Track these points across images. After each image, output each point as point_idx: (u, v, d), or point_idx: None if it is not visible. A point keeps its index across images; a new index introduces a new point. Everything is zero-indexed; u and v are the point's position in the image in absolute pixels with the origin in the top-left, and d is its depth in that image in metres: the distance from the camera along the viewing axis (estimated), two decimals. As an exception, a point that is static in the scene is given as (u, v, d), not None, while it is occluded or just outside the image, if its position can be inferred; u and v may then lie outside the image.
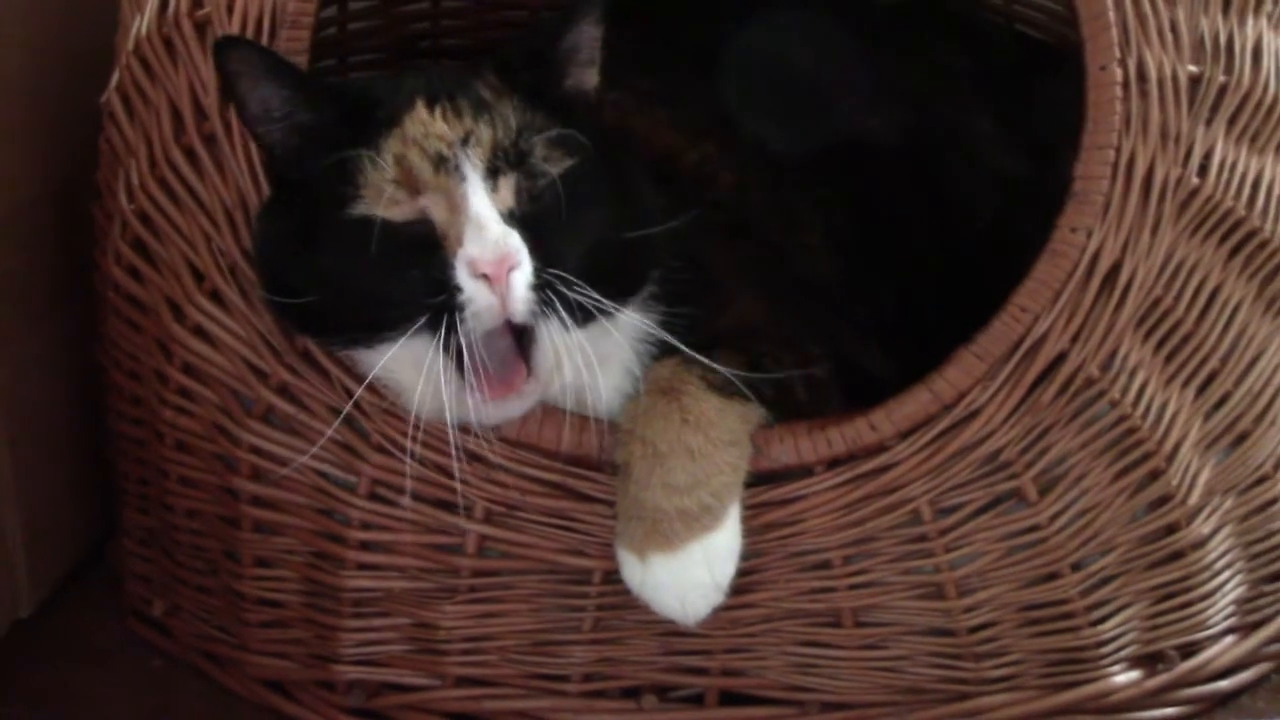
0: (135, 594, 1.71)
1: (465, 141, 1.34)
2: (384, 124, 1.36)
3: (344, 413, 1.45)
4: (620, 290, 1.40)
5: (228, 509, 1.56)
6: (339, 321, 1.39)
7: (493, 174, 1.34)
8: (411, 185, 1.34)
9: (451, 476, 1.46)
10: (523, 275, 1.33)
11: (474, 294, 1.32)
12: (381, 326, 1.36)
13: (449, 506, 1.49)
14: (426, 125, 1.36)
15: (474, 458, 1.46)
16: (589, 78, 1.43)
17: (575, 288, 1.34)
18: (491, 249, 1.32)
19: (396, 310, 1.34)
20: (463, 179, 1.34)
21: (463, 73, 1.43)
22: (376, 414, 1.45)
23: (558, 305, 1.34)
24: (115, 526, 1.76)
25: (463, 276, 1.33)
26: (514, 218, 1.34)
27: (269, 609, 1.58)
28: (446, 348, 1.34)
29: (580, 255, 1.36)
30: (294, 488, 1.52)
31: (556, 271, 1.34)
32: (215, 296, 1.50)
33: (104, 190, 1.62)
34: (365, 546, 1.52)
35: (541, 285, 1.33)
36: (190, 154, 1.50)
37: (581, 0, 1.40)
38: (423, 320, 1.34)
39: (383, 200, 1.33)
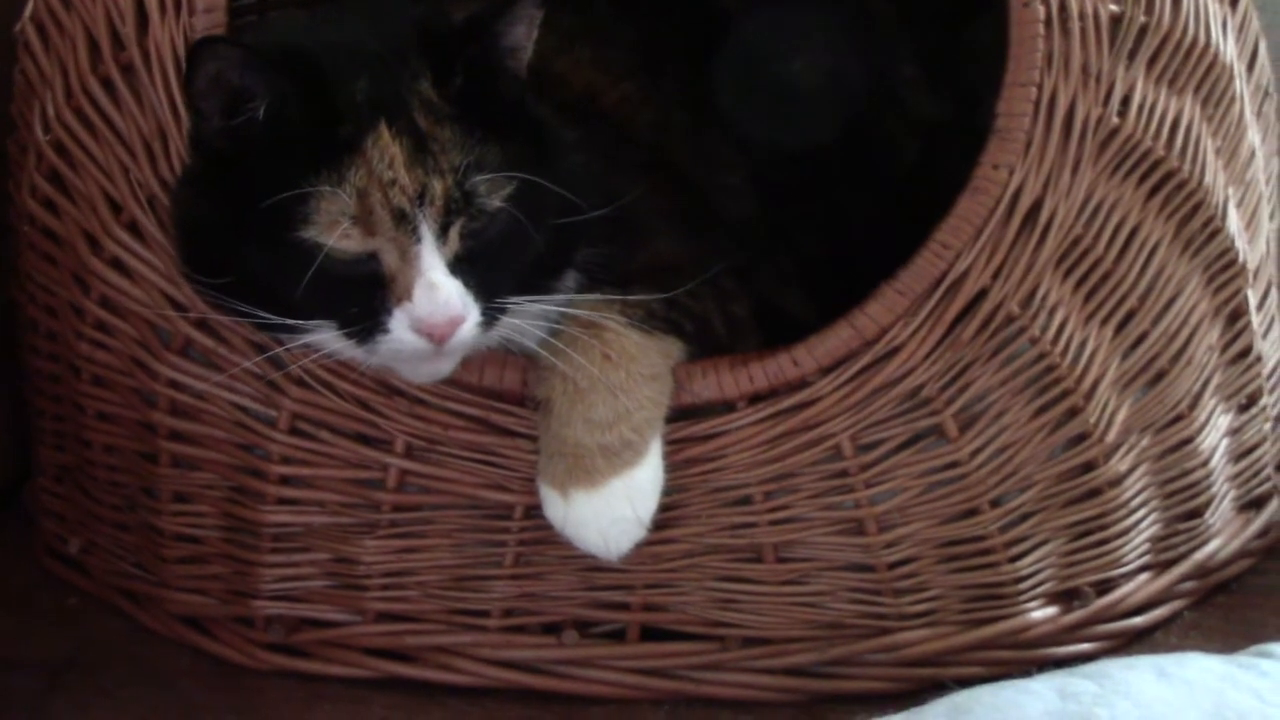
0: (50, 532, 1.70)
1: (421, 198, 1.32)
2: (347, 147, 1.32)
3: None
4: (558, 269, 1.42)
5: (145, 444, 1.54)
6: (256, 315, 1.36)
7: (444, 229, 1.33)
8: (368, 228, 1.32)
9: (372, 410, 1.46)
10: (468, 327, 1.33)
11: (411, 341, 1.33)
12: (301, 329, 1.35)
13: (369, 441, 1.48)
14: (392, 163, 1.32)
15: (394, 392, 1.46)
16: (525, 61, 1.39)
17: (516, 302, 1.36)
18: (442, 309, 1.32)
19: (323, 320, 1.34)
20: (418, 240, 1.32)
21: (402, 66, 1.36)
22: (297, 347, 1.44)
23: (497, 323, 1.35)
24: (30, 466, 1.74)
25: (400, 324, 1.32)
26: (459, 261, 1.33)
27: (187, 545, 1.56)
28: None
29: (523, 271, 1.37)
30: (213, 422, 1.51)
31: (500, 302, 1.35)
32: (133, 228, 1.48)
33: (18, 122, 1.59)
34: (285, 481, 1.51)
35: (485, 318, 1.34)
36: (107, 84, 1.48)
37: None
38: (347, 331, 1.34)
39: (336, 233, 1.31)
